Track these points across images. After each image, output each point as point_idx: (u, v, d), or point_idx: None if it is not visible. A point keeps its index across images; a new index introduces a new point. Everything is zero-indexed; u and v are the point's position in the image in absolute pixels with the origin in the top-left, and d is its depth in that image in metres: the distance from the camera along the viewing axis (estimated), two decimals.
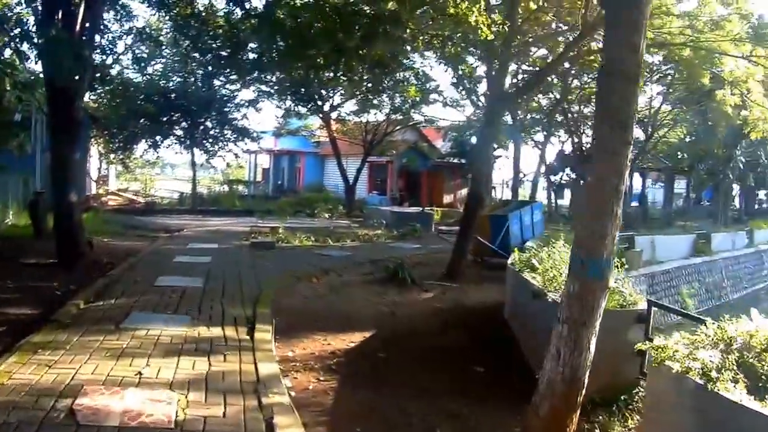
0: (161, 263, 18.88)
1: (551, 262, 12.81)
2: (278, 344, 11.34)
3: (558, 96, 46.34)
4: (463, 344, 13.00)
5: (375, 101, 46.05)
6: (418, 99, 42.51)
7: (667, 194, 61.24)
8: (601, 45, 23.75)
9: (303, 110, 48.48)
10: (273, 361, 9.73)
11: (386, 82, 38.52)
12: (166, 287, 14.91)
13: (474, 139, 53.37)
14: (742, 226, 43.19)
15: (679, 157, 55.57)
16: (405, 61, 29.99)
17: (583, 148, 54.15)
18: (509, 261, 15.55)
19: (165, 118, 42.69)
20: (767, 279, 39.66)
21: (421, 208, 43.73)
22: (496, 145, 56.78)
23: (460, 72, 23.77)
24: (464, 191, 62.08)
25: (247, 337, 10.79)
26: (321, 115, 48.31)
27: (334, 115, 48.95)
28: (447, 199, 60.98)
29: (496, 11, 18.36)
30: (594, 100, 42.82)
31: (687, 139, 51.05)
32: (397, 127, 51.86)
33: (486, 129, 21.85)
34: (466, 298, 17.35)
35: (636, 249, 25.09)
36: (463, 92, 35.94)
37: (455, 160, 58.42)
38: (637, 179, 58.03)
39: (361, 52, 18.58)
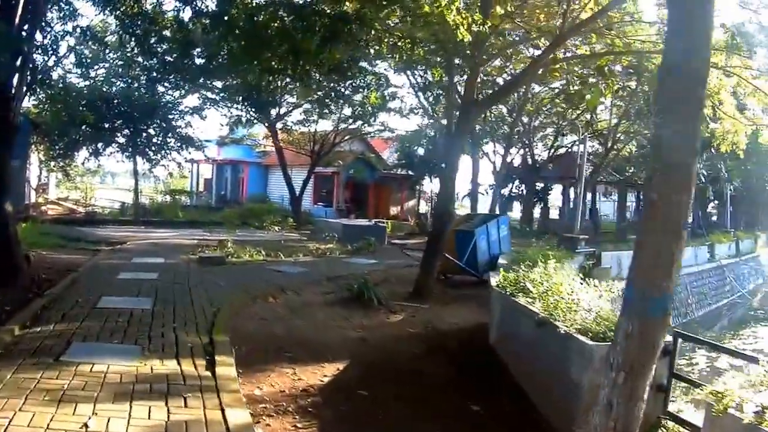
0: (104, 280, 17.17)
1: (547, 285, 11.49)
2: (242, 379, 9.81)
3: (509, 107, 45.49)
4: (446, 372, 11.74)
5: (329, 109, 44.43)
6: (377, 106, 40.51)
7: (620, 208, 60.72)
8: (569, 54, 23.07)
9: (249, 118, 46.66)
10: (242, 406, 8.23)
11: (343, 88, 36.97)
12: (112, 309, 13.29)
13: (421, 151, 52.57)
14: (702, 240, 42.48)
15: (632, 170, 54.89)
16: (365, 66, 28.42)
17: (536, 159, 53.63)
18: (494, 282, 14.14)
19: (107, 125, 40.34)
20: (730, 295, 39.09)
21: (368, 220, 42.73)
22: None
23: (429, 79, 22.26)
24: (411, 203, 61.29)
25: (208, 373, 9.29)
26: (267, 124, 46.38)
27: (280, 124, 47.02)
28: (393, 210, 59.78)
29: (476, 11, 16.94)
30: (545, 110, 42.32)
31: (643, 152, 50.10)
32: (346, 137, 50.17)
33: (455, 139, 20.47)
34: (439, 321, 15.98)
35: (603, 266, 23.91)
36: (431, 99, 34.19)
37: (402, 172, 56.96)
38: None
39: (320, 54, 17.13)
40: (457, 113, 20.79)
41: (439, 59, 20.54)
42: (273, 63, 18.68)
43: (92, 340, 10.77)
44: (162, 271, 19.43)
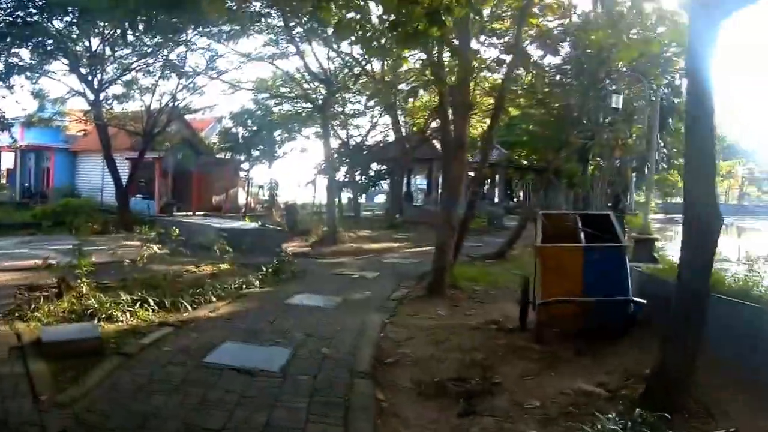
0: None
1: None
2: None
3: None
4: None
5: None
6: None
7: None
8: None
9: (65, 90, 31.65)
10: None
11: None
12: None
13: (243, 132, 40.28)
14: None
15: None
16: None
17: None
18: None
19: None
20: None
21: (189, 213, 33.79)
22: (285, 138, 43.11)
23: None
24: (234, 191, 47.00)
25: None
26: (91, 96, 30.73)
27: (102, 95, 31.63)
28: (216, 201, 45.05)
29: None
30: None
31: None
32: (183, 114, 37.01)
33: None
34: None
35: None
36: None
37: (227, 156, 44.46)
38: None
39: None
40: None
41: None
42: None
43: None
44: None
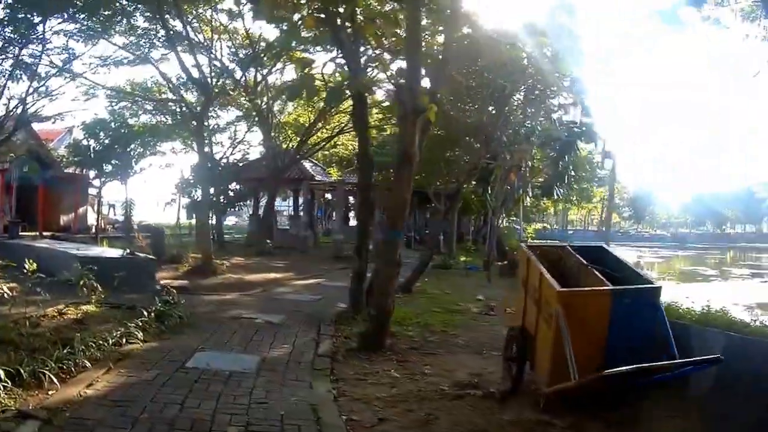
0: None
1: None
2: None
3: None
4: None
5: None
6: None
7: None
8: None
9: None
10: None
11: None
12: None
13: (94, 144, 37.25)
14: None
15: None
16: None
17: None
18: None
19: None
20: None
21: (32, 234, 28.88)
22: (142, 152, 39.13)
23: None
24: (83, 210, 42.34)
25: None
26: None
27: None
28: (63, 220, 40.16)
29: None
30: None
31: None
32: (32, 122, 32.28)
33: None
34: None
35: None
36: None
37: (76, 171, 39.85)
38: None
39: None
40: None
41: None
42: None
43: None
44: None
